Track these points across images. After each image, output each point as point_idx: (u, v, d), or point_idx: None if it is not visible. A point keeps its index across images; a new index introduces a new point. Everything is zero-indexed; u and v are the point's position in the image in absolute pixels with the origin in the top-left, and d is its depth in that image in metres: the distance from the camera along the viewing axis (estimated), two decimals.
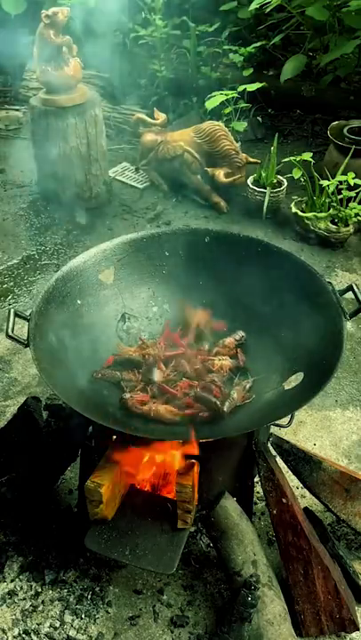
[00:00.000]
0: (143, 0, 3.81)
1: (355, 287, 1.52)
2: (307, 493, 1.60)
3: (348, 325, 2.46)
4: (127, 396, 1.47)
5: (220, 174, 3.05)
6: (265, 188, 3.02)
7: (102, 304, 1.65)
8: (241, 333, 1.65)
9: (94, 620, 1.47)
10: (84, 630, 1.45)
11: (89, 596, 1.51)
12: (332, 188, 2.80)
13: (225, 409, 1.43)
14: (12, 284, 2.73)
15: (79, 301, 1.54)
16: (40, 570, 1.56)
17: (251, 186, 3.07)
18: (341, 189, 2.78)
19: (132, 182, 3.40)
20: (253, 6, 3.39)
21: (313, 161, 2.92)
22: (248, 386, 1.52)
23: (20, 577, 1.56)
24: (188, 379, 1.55)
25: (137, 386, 1.53)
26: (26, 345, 1.40)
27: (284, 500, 1.44)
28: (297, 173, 2.90)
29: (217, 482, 1.50)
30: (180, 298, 1.71)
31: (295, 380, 1.47)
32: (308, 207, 2.91)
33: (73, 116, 2.89)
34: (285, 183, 3.06)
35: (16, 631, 1.45)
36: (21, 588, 1.54)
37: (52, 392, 1.93)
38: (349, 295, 1.54)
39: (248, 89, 3.26)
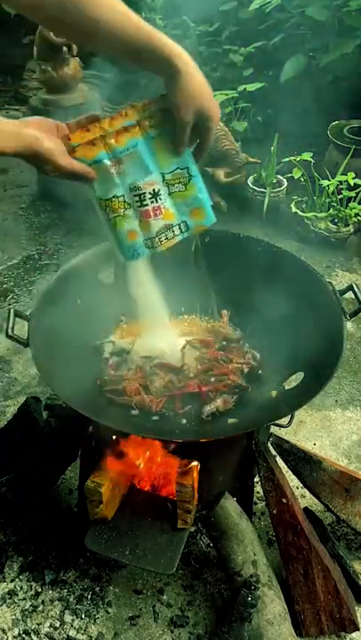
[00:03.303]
0: (143, 0, 3.81)
1: (355, 287, 1.52)
2: (307, 493, 1.60)
3: (349, 325, 2.46)
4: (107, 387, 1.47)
5: (220, 174, 3.05)
6: (265, 188, 3.02)
7: (102, 304, 1.65)
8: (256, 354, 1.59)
9: (94, 620, 1.47)
10: (84, 630, 1.45)
11: (89, 596, 1.51)
12: (332, 188, 2.80)
13: (208, 409, 1.42)
14: (12, 283, 2.73)
15: (79, 301, 1.54)
16: (40, 570, 1.56)
17: (251, 186, 3.07)
18: (341, 189, 2.79)
19: None
20: (253, 6, 3.39)
21: (313, 161, 2.92)
22: (233, 399, 1.48)
23: (20, 577, 1.56)
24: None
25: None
26: (26, 345, 1.40)
27: (284, 500, 1.44)
28: (297, 173, 2.90)
29: (217, 482, 1.50)
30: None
31: (295, 379, 1.47)
32: (308, 207, 2.91)
33: (73, 116, 2.86)
34: (285, 183, 3.06)
35: (16, 631, 1.45)
36: (21, 587, 1.54)
37: (52, 392, 1.93)
38: (349, 295, 1.54)
39: (248, 89, 3.26)
